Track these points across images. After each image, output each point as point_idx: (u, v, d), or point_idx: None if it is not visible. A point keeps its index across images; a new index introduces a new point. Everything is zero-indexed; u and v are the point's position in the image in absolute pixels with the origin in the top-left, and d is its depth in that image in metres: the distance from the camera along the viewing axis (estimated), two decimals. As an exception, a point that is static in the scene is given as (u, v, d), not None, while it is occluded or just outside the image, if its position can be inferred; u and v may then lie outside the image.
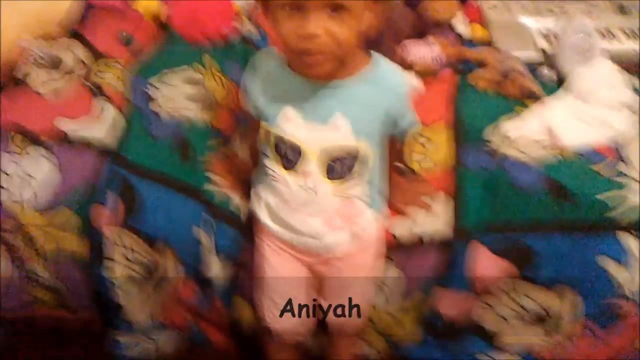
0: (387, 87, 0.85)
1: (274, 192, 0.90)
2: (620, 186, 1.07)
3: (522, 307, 1.09)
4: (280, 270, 0.96)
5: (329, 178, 0.85)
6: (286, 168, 0.86)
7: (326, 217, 0.89)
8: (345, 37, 0.74)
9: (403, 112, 0.88)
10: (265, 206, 0.93)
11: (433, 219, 1.04)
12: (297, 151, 0.84)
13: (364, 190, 0.90)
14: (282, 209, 0.90)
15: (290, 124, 0.83)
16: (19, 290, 1.17)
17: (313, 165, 0.84)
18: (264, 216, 0.94)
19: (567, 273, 1.05)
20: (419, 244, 1.03)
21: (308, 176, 0.85)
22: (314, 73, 0.79)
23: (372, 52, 0.86)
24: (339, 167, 0.85)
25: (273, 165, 0.88)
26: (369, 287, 1.01)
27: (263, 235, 0.97)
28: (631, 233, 1.03)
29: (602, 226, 1.04)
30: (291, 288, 0.97)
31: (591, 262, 1.04)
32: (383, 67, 0.85)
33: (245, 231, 1.03)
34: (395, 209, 1.04)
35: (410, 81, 1.28)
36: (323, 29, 0.72)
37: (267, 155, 0.89)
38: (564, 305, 1.07)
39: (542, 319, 1.09)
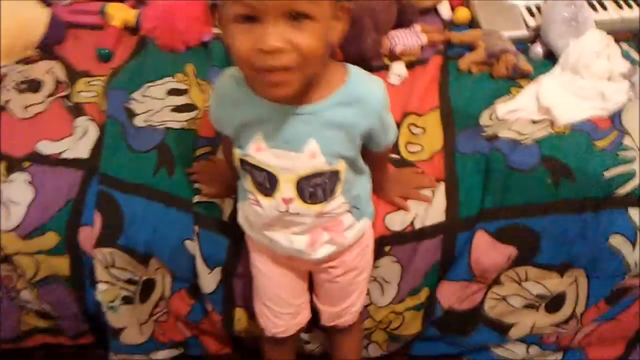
0: (364, 106, 0.76)
1: (254, 213, 0.85)
2: (627, 161, 1.03)
3: (532, 294, 1.05)
4: (271, 276, 0.93)
5: (310, 203, 0.80)
6: (264, 194, 0.80)
7: (312, 235, 0.84)
8: (311, 48, 0.64)
9: (382, 128, 0.81)
10: (248, 221, 0.90)
11: (432, 211, 1.00)
12: (274, 180, 0.78)
13: (349, 203, 0.84)
14: (265, 228, 0.86)
15: (263, 152, 0.76)
16: (14, 321, 1.15)
17: (291, 192, 0.78)
18: (249, 229, 0.91)
19: (577, 255, 1.01)
20: (418, 236, 0.99)
21: (288, 202, 0.79)
22: (280, 94, 0.68)
23: (346, 65, 0.77)
24: (320, 191, 0.79)
25: (251, 190, 0.82)
26: (362, 286, 0.97)
27: (251, 245, 0.95)
28: (642, 208, 0.99)
29: (611, 204, 1.00)
30: (284, 293, 0.94)
31: (602, 241, 1.00)
32: (359, 83, 0.76)
33: (236, 240, 1.00)
34: (395, 203, 1.00)
35: (399, 74, 1.24)
36: (284, 40, 0.63)
37: (243, 179, 0.84)
38: (574, 288, 1.03)
39: (552, 305, 1.05)
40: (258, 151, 0.77)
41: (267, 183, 0.78)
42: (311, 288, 0.99)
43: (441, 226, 0.99)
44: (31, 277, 1.06)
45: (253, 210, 0.84)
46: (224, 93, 0.80)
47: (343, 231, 0.85)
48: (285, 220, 0.82)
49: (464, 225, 0.99)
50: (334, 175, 0.78)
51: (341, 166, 0.78)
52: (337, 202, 0.82)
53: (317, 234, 0.84)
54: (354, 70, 0.76)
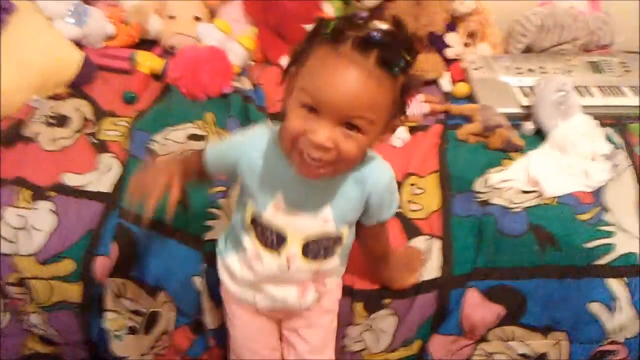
0: (375, 185, 0.83)
1: (245, 264, 0.90)
2: (606, 234, 1.12)
3: (517, 353, 1.11)
4: (247, 331, 0.98)
5: (309, 259, 0.87)
6: (266, 247, 0.86)
7: (300, 287, 0.91)
8: (352, 155, 0.71)
9: (387, 203, 0.88)
10: (231, 273, 0.94)
11: (429, 266, 1.08)
12: (283, 237, 0.84)
13: (338, 260, 0.92)
14: (256, 282, 0.91)
15: (280, 213, 0.82)
16: (18, 344, 1.18)
17: (295, 249, 0.85)
18: (228, 281, 0.95)
19: (559, 319, 1.08)
20: (416, 290, 1.06)
21: (290, 259, 0.86)
22: (310, 176, 0.75)
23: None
24: (322, 251, 0.86)
25: (252, 246, 0.87)
26: (332, 328, 1.02)
27: (228, 298, 0.99)
28: (620, 279, 1.07)
29: (591, 273, 1.08)
30: (261, 346, 0.98)
31: (582, 308, 1.07)
32: (372, 164, 0.83)
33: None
34: (398, 285, 1.05)
35: (402, 137, 1.35)
36: (332, 141, 0.68)
37: (244, 232, 0.88)
38: (556, 350, 1.10)
39: (537, 366, 1.11)
40: (276, 211, 0.82)
41: (275, 240, 0.84)
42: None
43: (436, 282, 1.06)
44: (43, 301, 1.10)
45: (247, 265, 0.89)
46: (258, 141, 0.83)
47: (325, 281, 0.93)
48: (280, 276, 0.88)
49: (457, 282, 1.06)
50: (339, 238, 0.87)
51: (346, 231, 0.87)
52: (334, 261, 0.90)
53: (306, 286, 0.91)
54: (369, 153, 0.82)
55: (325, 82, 0.67)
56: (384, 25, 0.70)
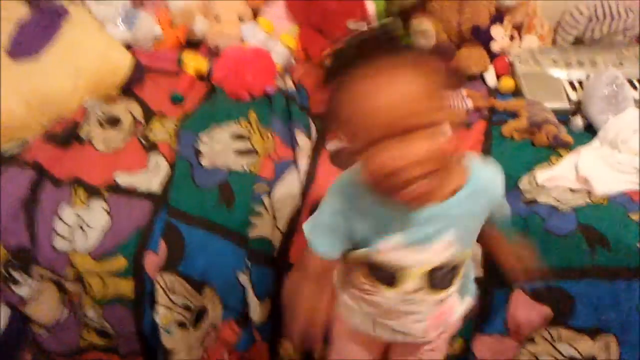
0: (490, 194, 0.79)
1: (371, 304, 0.85)
2: (660, 234, 1.08)
3: (564, 356, 1.09)
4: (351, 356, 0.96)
5: (432, 289, 0.81)
6: (386, 285, 0.81)
7: (431, 321, 0.86)
8: (440, 150, 0.66)
9: (500, 207, 0.85)
10: (351, 310, 0.90)
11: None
12: (402, 273, 0.79)
13: (461, 285, 0.86)
14: (381, 316, 0.86)
15: (394, 251, 0.77)
16: (75, 336, 1.25)
17: (420, 283, 0.80)
18: (346, 314, 0.91)
19: (609, 321, 1.05)
20: None
21: (413, 292, 0.80)
22: (423, 204, 0.71)
23: (466, 159, 0.78)
24: (445, 278, 0.81)
25: (366, 281, 0.82)
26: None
27: (341, 331, 0.95)
28: (673, 280, 1.03)
29: (643, 274, 1.04)
30: None
31: (633, 310, 1.04)
32: (482, 173, 0.79)
33: (284, 274, 1.08)
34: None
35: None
36: (422, 150, 0.65)
37: (355, 273, 0.84)
38: (605, 353, 1.07)
39: (585, 368, 1.08)
40: (390, 250, 0.77)
41: (393, 277, 0.79)
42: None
43: (479, 281, 1.05)
44: (98, 296, 1.16)
45: (368, 301, 0.84)
46: (348, 207, 0.76)
47: (452, 313, 0.88)
48: (403, 309, 0.83)
49: (501, 282, 1.05)
50: (460, 262, 0.81)
51: (466, 254, 0.82)
52: (456, 286, 0.84)
53: (437, 321, 0.86)
54: (474, 162, 0.79)
55: (372, 109, 0.65)
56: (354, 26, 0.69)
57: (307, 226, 0.81)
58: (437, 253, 0.78)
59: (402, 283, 0.80)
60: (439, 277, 0.80)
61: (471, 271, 0.92)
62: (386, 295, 0.81)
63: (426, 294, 0.81)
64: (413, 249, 0.76)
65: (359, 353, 0.97)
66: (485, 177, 0.79)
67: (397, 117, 0.64)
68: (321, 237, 0.79)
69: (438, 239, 0.76)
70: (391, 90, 0.64)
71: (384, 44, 0.68)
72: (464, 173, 0.77)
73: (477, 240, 0.86)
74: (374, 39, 0.69)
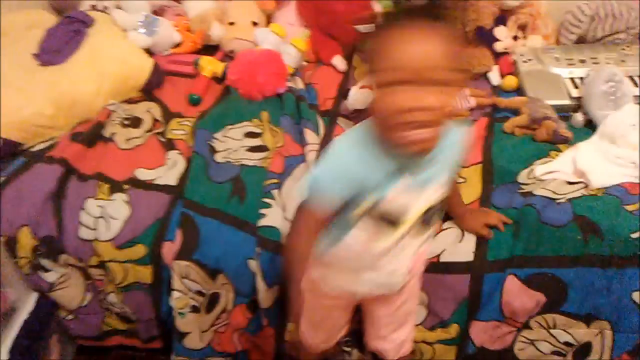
0: (458, 142, 0.90)
1: (362, 252, 0.91)
2: (655, 224, 1.12)
3: (560, 342, 1.13)
4: (329, 315, 1.05)
5: (423, 225, 0.90)
6: (387, 230, 0.88)
7: (414, 261, 0.95)
8: (450, 106, 0.77)
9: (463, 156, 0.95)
10: (335, 268, 0.96)
11: (461, 249, 1.12)
12: (405, 216, 0.86)
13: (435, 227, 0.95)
14: (367, 266, 0.93)
15: (400, 196, 0.84)
16: (99, 321, 1.34)
17: (414, 223, 0.88)
18: (335, 282, 0.98)
19: (602, 307, 1.09)
20: (443, 269, 1.11)
21: (408, 232, 0.89)
22: (421, 148, 0.79)
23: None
24: (433, 216, 0.91)
25: (367, 230, 0.88)
26: (415, 312, 1.09)
27: (318, 295, 1.02)
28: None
29: (636, 263, 1.08)
30: (337, 326, 1.06)
31: (626, 297, 1.08)
32: (457, 128, 0.88)
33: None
34: (477, 232, 1.12)
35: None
36: (435, 100, 0.74)
37: (360, 224, 0.89)
38: (600, 339, 1.11)
39: (578, 354, 1.12)
40: (398, 195, 0.84)
41: (396, 219, 0.86)
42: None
43: (469, 265, 1.11)
44: (120, 282, 1.25)
45: (362, 248, 0.90)
46: (354, 159, 0.83)
47: (425, 257, 0.99)
48: (392, 254, 0.90)
49: (492, 267, 1.10)
50: (444, 201, 0.92)
51: (446, 193, 0.91)
52: (436, 225, 0.95)
53: (414, 265, 0.95)
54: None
55: (406, 54, 0.74)
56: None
57: (310, 177, 0.87)
58: (434, 193, 0.87)
59: (403, 225, 0.87)
60: (430, 215, 0.89)
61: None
62: (382, 239, 0.88)
63: (416, 233, 0.90)
64: (416, 192, 0.85)
65: (334, 315, 1.03)
66: (461, 131, 0.90)
67: (426, 66, 0.74)
68: (330, 182, 0.84)
69: (435, 181, 0.86)
70: (428, 45, 0.74)
71: (429, 11, 0.78)
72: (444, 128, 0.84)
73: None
74: (422, 7, 0.80)
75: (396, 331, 1.08)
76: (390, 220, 0.87)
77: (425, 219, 0.90)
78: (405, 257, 0.93)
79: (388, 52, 0.75)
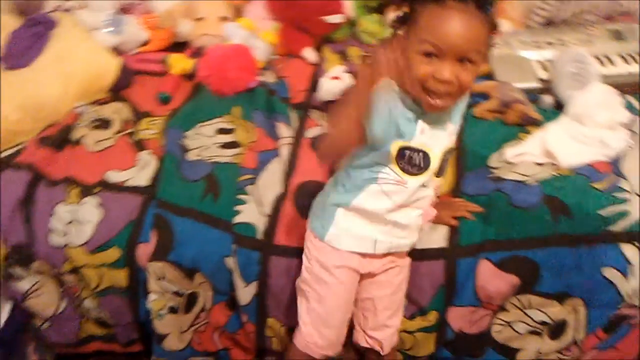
0: (463, 103, 1.01)
1: (388, 196, 0.98)
2: (621, 201, 1.14)
3: (535, 321, 1.15)
4: (336, 296, 1.05)
5: (439, 176, 1.00)
6: (410, 173, 0.96)
7: (425, 210, 1.02)
8: (469, 83, 0.87)
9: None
10: (358, 220, 1.01)
11: (434, 236, 1.13)
12: (428, 158, 0.96)
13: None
14: (391, 210, 0.99)
15: (424, 135, 0.95)
16: (75, 327, 1.33)
17: (435, 166, 0.97)
18: (344, 235, 1.02)
19: (574, 285, 1.11)
20: (418, 256, 1.11)
21: (431, 176, 0.98)
22: (436, 110, 0.91)
23: None
24: (444, 167, 1.00)
25: (392, 173, 0.96)
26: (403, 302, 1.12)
27: (332, 258, 1.04)
28: (634, 244, 1.09)
29: (605, 239, 1.10)
30: (341, 322, 1.07)
31: (596, 273, 1.09)
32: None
33: (268, 257, 1.15)
34: (444, 222, 1.14)
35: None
36: (454, 75, 0.85)
37: (383, 167, 0.96)
38: (574, 316, 1.12)
39: (554, 332, 1.14)
40: (421, 134, 0.94)
41: (422, 162, 0.96)
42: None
43: (442, 251, 1.12)
44: (94, 287, 1.24)
45: (388, 192, 0.97)
46: (395, 104, 0.93)
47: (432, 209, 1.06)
48: (414, 198, 0.98)
49: (465, 252, 1.11)
50: (453, 150, 1.02)
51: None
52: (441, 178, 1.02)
53: (429, 209, 1.03)
54: None
55: (443, 30, 0.84)
56: None
57: None
58: (449, 136, 0.98)
59: (429, 169, 0.96)
60: (442, 165, 0.99)
61: None
62: (410, 183, 0.96)
63: (435, 179, 0.99)
64: (433, 135, 0.95)
65: (340, 297, 1.04)
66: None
67: (461, 42, 0.84)
68: (377, 120, 0.91)
69: (446, 127, 0.97)
70: (465, 24, 0.84)
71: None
72: None
73: None
74: None
75: (391, 318, 1.10)
76: (416, 164, 0.95)
77: (441, 167, 0.98)
78: (420, 207, 1.01)
79: (433, 27, 0.84)
